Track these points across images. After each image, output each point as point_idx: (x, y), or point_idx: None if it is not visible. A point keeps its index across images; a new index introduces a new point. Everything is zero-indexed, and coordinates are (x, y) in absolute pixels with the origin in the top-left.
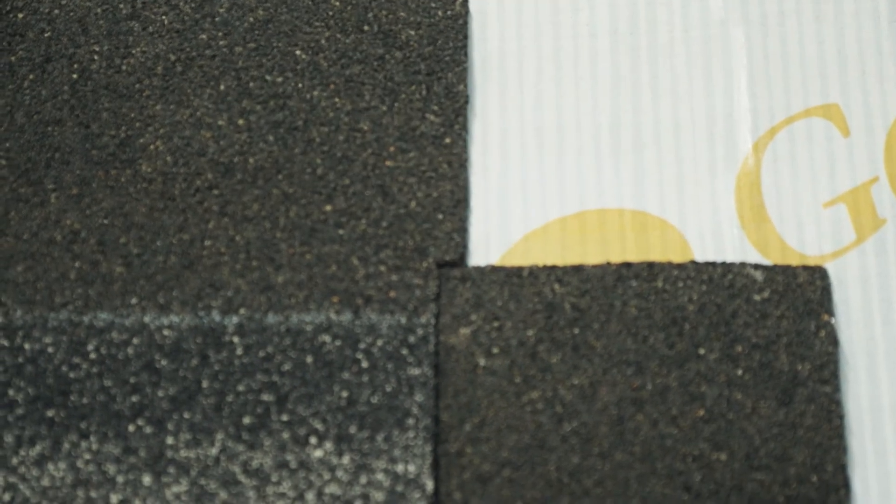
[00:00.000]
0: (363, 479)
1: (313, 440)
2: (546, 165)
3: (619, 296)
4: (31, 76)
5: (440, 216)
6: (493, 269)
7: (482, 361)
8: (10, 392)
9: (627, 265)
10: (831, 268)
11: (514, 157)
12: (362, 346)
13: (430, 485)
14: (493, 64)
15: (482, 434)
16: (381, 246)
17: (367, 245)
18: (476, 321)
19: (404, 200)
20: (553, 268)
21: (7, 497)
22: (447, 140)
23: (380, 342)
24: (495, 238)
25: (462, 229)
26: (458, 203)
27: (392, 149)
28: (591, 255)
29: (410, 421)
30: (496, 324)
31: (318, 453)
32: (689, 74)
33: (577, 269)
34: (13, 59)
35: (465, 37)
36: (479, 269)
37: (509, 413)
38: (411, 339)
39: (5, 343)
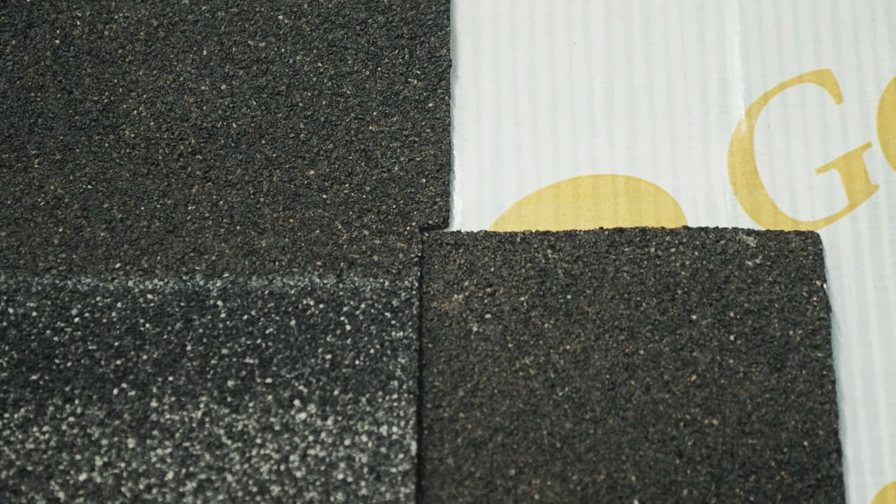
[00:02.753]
0: (347, 441)
1: (297, 403)
2: (539, 131)
3: (612, 262)
4: (13, 42)
5: (423, 180)
6: (486, 235)
7: (475, 327)
8: None
9: (620, 231)
10: (824, 233)
11: (507, 122)
12: (346, 309)
13: (413, 447)
14: (486, 29)
15: (475, 400)
16: (365, 210)
17: (351, 209)
18: (469, 287)
19: (387, 165)
20: (546, 234)
21: None
22: (430, 104)
23: (363, 305)
24: (488, 204)
25: (445, 193)
26: (442, 167)
27: (375, 113)
28: (584, 221)
29: (394, 383)
30: (489, 290)
31: (302, 416)
32: (683, 40)
33: (570, 235)
34: None
35: (448, 0)
36: (471, 235)
37: (502, 379)
38: (394, 302)
39: None
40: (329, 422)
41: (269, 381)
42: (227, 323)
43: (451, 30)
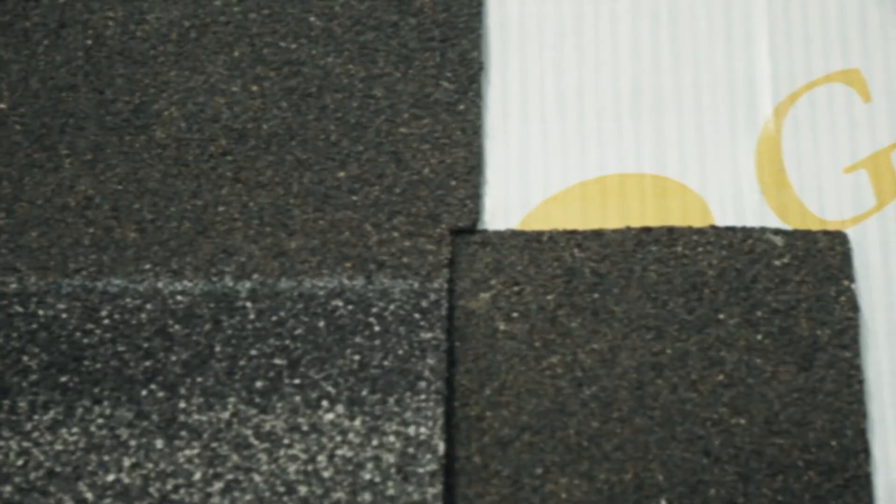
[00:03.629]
0: (374, 442)
1: (325, 403)
2: (566, 130)
3: (639, 261)
4: (45, 42)
5: (453, 182)
6: (513, 234)
7: (502, 326)
8: (24, 358)
9: (647, 230)
10: (851, 233)
11: (534, 121)
12: (375, 310)
13: (441, 447)
14: (513, 28)
15: (502, 398)
16: (395, 212)
17: (381, 211)
18: (496, 286)
19: (418, 167)
20: (573, 232)
21: (21, 462)
22: (461, 107)
23: (392, 307)
24: (515, 202)
25: (475, 196)
26: (472, 170)
27: (406, 115)
28: (611, 220)
29: (422, 384)
30: (516, 288)
31: (330, 416)
32: (710, 38)
33: (597, 234)
34: (28, 24)
35: (480, 3)
36: (498, 234)
37: (529, 377)
38: (423, 303)
39: (19, 309)
40: (357, 422)
41: (297, 381)
42: (256, 324)
43: (482, 31)
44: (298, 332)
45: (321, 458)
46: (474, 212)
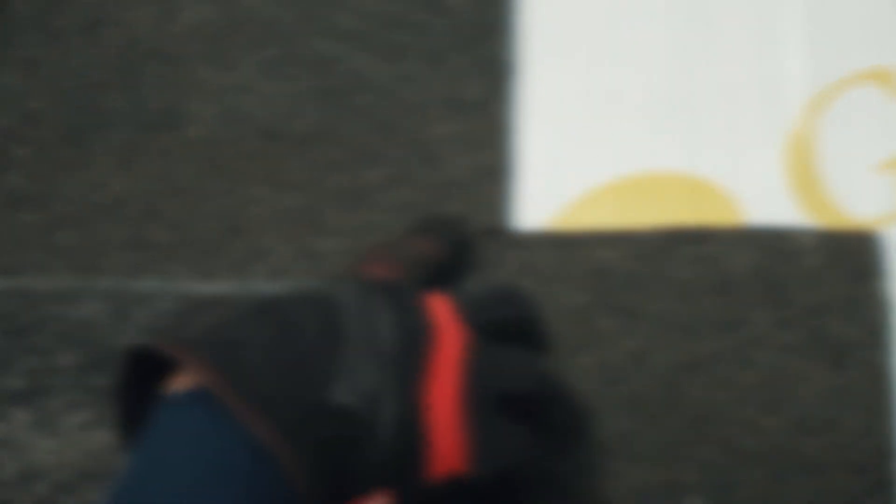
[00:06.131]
0: None
1: None
2: (598, 128)
3: (670, 261)
4: (78, 41)
5: (484, 183)
6: (544, 234)
7: None
8: (57, 358)
9: (678, 230)
10: (883, 232)
11: (565, 119)
12: None
13: None
14: (547, 25)
15: None
16: (425, 213)
17: (411, 212)
18: (527, 286)
19: (448, 167)
20: (604, 232)
21: (53, 460)
22: (492, 107)
23: None
24: (547, 201)
25: (505, 197)
26: (502, 170)
27: (437, 115)
28: (642, 219)
29: None
30: (547, 289)
31: None
32: (742, 37)
33: (628, 234)
34: (61, 23)
35: (511, 3)
36: (529, 234)
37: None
38: None
39: (52, 309)
40: None
41: None
42: None
43: (513, 30)
44: None
45: None
46: (505, 213)
